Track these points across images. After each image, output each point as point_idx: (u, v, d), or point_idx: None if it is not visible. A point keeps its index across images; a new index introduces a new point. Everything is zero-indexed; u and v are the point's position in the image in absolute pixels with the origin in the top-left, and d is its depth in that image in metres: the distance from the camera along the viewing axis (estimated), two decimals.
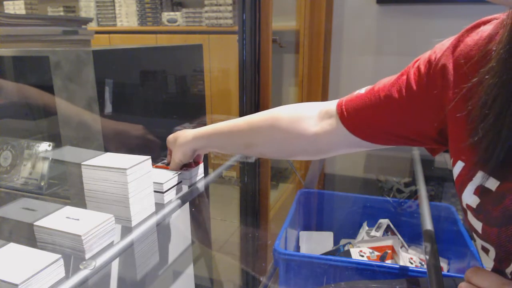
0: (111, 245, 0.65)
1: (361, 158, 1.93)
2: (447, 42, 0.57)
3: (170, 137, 0.87)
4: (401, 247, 1.25)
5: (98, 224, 0.62)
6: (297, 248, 1.22)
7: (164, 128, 1.27)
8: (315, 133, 0.70)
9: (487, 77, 0.47)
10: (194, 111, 1.44)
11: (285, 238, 1.05)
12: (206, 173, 0.98)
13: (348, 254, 1.15)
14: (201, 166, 0.96)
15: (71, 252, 0.60)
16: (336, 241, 1.27)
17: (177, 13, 2.68)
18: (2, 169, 1.13)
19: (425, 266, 0.83)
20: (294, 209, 1.13)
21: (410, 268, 1.00)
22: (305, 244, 1.23)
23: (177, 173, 0.85)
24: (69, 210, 0.67)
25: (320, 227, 1.29)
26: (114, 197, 0.70)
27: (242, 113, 1.64)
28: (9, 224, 0.69)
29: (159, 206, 0.80)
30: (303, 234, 1.25)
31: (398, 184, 1.71)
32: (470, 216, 0.51)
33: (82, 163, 0.71)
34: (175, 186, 0.85)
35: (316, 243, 1.23)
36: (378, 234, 1.27)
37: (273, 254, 0.94)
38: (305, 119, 0.72)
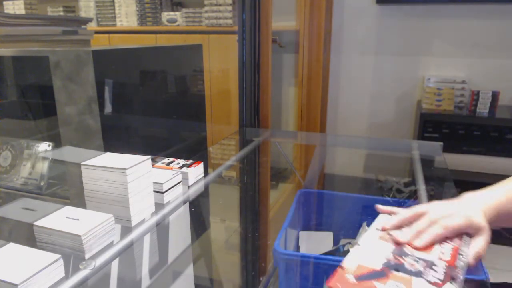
0: (110, 245, 0.65)
1: (361, 158, 1.93)
2: None
3: None
4: None
5: (98, 224, 0.62)
6: (297, 248, 1.22)
7: (164, 127, 1.28)
8: None
9: None
10: (193, 111, 1.44)
11: (285, 238, 1.04)
12: (206, 173, 0.98)
13: (347, 254, 1.14)
14: (201, 166, 0.96)
15: (71, 252, 0.60)
16: (335, 241, 1.26)
17: (177, 13, 2.68)
18: (2, 169, 1.13)
19: None
20: (294, 209, 1.12)
21: None
22: (305, 244, 1.23)
23: (177, 173, 0.85)
24: (68, 210, 0.67)
25: (319, 227, 1.29)
26: (113, 197, 0.70)
27: (241, 113, 1.64)
28: (9, 224, 0.69)
29: (159, 206, 0.80)
30: (303, 234, 1.25)
31: (398, 184, 1.71)
32: None
33: (82, 163, 0.71)
34: (175, 186, 0.85)
35: (315, 243, 1.23)
36: None
37: (273, 254, 0.94)
38: None
